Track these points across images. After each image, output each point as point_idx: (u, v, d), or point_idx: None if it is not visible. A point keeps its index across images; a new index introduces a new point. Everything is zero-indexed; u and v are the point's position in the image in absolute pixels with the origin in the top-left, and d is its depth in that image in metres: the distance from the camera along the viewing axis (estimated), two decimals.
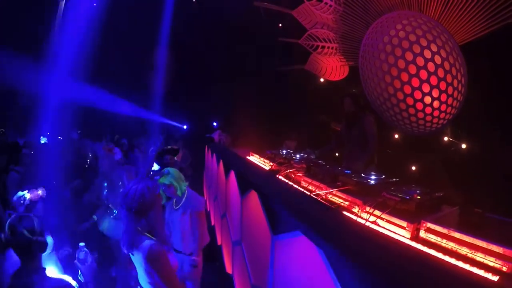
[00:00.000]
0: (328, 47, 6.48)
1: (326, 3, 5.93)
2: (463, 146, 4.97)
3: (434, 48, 4.60)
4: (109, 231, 4.86)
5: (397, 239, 2.24)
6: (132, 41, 12.54)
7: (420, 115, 4.93)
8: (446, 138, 5.22)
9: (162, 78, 13.11)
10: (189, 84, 13.10)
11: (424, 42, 4.68)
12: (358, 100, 5.16)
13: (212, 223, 6.39)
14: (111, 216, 4.90)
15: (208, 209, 7.25)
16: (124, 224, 2.36)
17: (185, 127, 13.91)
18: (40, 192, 3.73)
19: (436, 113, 4.78)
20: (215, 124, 11.13)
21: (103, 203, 5.04)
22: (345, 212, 2.68)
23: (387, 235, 2.29)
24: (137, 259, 2.31)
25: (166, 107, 13.41)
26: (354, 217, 2.60)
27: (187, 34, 12.58)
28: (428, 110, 4.82)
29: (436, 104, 4.73)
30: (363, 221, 2.49)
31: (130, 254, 2.39)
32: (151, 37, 12.74)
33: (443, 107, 4.69)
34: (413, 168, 5.72)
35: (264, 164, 5.10)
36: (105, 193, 5.05)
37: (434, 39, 4.59)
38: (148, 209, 2.32)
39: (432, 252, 2.09)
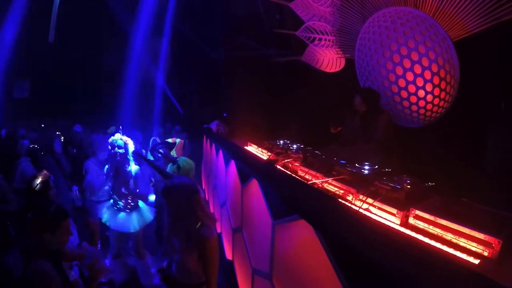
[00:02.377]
0: (325, 40, 6.59)
1: None
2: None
3: (428, 43, 4.74)
4: (112, 222, 4.83)
5: (388, 225, 2.42)
6: (131, 30, 12.58)
7: (414, 108, 5.10)
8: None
9: (161, 68, 13.14)
10: (187, 74, 13.15)
11: (419, 38, 4.82)
12: (371, 97, 4.87)
13: (212, 211, 6.54)
14: (115, 208, 4.88)
15: (207, 199, 7.40)
16: None
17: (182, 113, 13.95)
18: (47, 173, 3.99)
19: (429, 106, 4.94)
20: (224, 114, 11.17)
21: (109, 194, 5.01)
22: (340, 200, 2.85)
23: (378, 221, 2.47)
24: None
25: (164, 96, 13.47)
26: (349, 205, 2.78)
27: (183, 23, 12.62)
28: (422, 103, 4.98)
29: (429, 98, 4.88)
30: (356, 208, 2.66)
31: None
32: (149, 27, 12.74)
33: (436, 100, 4.85)
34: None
35: (262, 154, 5.25)
36: (106, 188, 5.00)
37: (429, 35, 4.73)
38: None
39: (420, 237, 2.26)
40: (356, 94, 4.90)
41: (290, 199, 2.19)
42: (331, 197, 2.57)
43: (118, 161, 4.81)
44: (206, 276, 2.74)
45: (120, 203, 4.83)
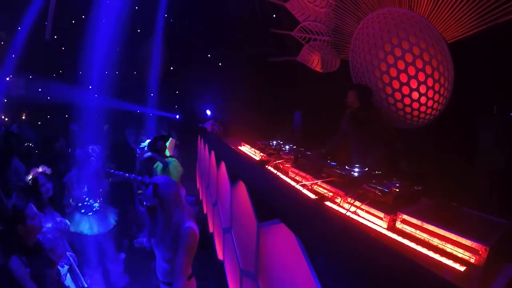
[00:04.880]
0: (320, 40, 6.56)
1: None
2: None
3: (422, 45, 4.71)
4: (92, 229, 4.66)
5: (374, 229, 2.39)
6: (122, 31, 12.55)
7: (408, 109, 5.07)
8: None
9: (153, 68, 13.09)
10: (181, 74, 13.13)
11: (413, 39, 4.79)
12: (365, 94, 4.70)
13: (205, 211, 6.51)
14: (90, 213, 4.71)
15: (201, 198, 7.38)
16: None
17: (177, 116, 13.88)
18: (40, 169, 3.95)
19: (423, 108, 4.92)
20: (208, 112, 11.13)
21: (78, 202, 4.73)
22: (328, 202, 2.82)
23: (364, 224, 2.44)
24: None
25: (157, 97, 13.42)
26: (336, 207, 2.75)
27: (179, 23, 12.59)
28: (415, 105, 4.95)
29: (423, 99, 4.86)
30: (344, 211, 2.63)
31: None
32: (142, 26, 12.70)
33: (430, 102, 4.82)
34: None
35: (255, 154, 5.23)
36: (84, 190, 4.74)
37: (423, 37, 4.70)
38: None
39: (406, 242, 2.23)
40: (350, 90, 4.68)
41: (271, 203, 2.16)
42: (312, 202, 2.54)
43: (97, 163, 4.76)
44: (175, 264, 2.72)
45: (96, 204, 4.72)
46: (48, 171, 4.02)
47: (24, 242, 2.62)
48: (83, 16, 13.80)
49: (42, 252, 2.79)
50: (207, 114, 10.93)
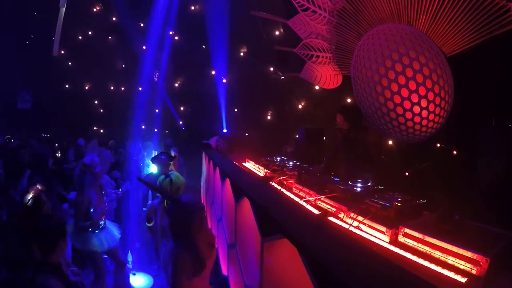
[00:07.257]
0: (322, 57, 6.65)
1: (320, 14, 6.12)
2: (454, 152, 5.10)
3: (422, 59, 4.78)
4: (102, 245, 4.63)
5: (376, 243, 2.42)
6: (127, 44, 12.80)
7: (410, 123, 5.10)
8: (438, 145, 5.30)
9: (159, 83, 13.27)
10: (185, 90, 13.29)
11: (413, 54, 4.86)
12: (352, 115, 5.03)
13: (209, 227, 6.54)
14: (96, 231, 4.66)
15: (205, 213, 7.39)
16: None
17: (183, 128, 14.00)
18: (39, 186, 3.92)
19: (424, 122, 4.95)
20: (225, 131, 11.17)
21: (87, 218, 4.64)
22: (331, 218, 2.86)
23: (367, 239, 2.47)
24: None
25: (163, 111, 13.57)
26: (339, 222, 2.79)
27: (183, 38, 12.80)
28: (417, 119, 4.99)
29: (424, 113, 4.90)
30: (347, 226, 2.67)
31: None
32: (146, 42, 12.94)
33: (431, 116, 4.86)
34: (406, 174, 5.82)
35: (259, 170, 5.28)
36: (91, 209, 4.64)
37: (423, 51, 4.77)
38: None
39: (408, 255, 2.26)
40: (337, 112, 5.00)
41: (275, 218, 2.21)
42: (315, 217, 2.58)
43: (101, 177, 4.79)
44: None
45: (102, 222, 4.70)
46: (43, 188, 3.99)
47: (53, 257, 2.62)
48: (90, 33, 14.17)
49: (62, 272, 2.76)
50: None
